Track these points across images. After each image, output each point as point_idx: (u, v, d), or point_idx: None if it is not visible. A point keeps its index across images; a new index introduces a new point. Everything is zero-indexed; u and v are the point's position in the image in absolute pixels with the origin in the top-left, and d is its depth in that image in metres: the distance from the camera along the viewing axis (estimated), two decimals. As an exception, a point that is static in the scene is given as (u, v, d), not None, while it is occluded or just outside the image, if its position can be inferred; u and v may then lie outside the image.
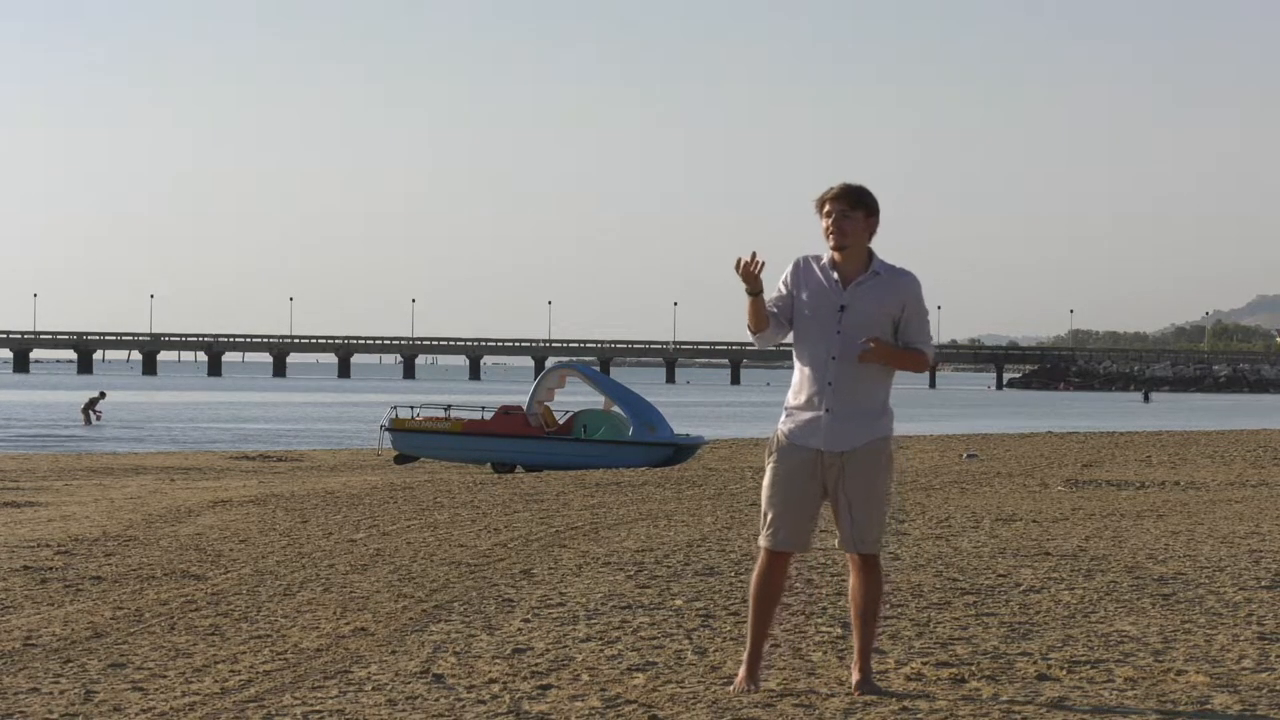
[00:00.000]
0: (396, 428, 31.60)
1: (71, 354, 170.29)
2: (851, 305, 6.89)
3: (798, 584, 10.07)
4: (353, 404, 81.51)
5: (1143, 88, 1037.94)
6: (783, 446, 6.97)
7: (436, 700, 6.98)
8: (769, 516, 6.98)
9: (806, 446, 6.92)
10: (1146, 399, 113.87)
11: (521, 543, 13.07)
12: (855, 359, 6.87)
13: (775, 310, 6.98)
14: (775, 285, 7.02)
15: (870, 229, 6.95)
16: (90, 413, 55.12)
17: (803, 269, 6.98)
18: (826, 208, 6.92)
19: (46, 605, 9.91)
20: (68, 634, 8.80)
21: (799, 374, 6.97)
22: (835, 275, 6.93)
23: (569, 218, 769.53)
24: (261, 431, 51.66)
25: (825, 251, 6.99)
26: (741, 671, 7.09)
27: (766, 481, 7.03)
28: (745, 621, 7.27)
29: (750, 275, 6.83)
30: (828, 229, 6.91)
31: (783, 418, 7.02)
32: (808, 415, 6.93)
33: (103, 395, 57.84)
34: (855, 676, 7.00)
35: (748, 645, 7.09)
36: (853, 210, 6.90)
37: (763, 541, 7.01)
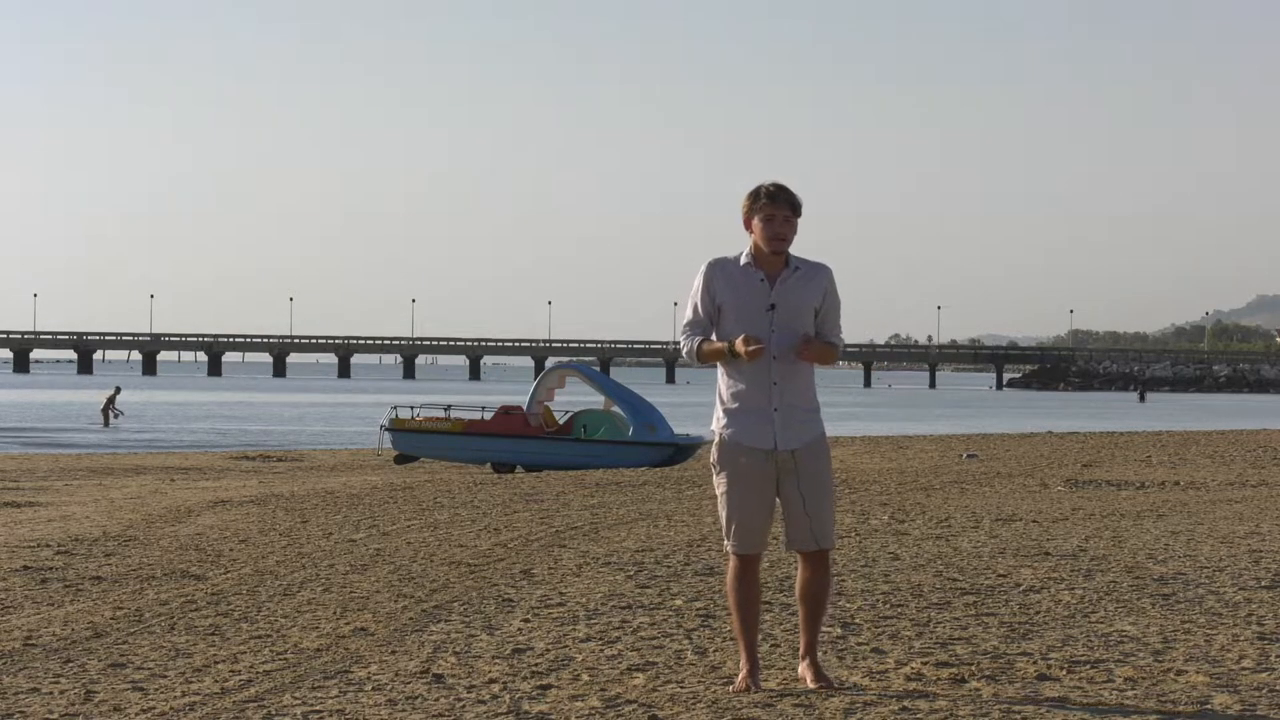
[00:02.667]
0: (396, 428, 31.59)
1: (71, 354, 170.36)
2: (780, 303, 6.93)
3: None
4: (353, 404, 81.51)
5: (1143, 88, 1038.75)
6: (732, 450, 6.98)
7: (436, 700, 6.98)
8: (732, 523, 7.00)
9: (757, 448, 6.95)
10: (1142, 399, 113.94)
11: (521, 543, 13.07)
12: (792, 357, 6.91)
13: (706, 321, 7.00)
14: (694, 297, 7.00)
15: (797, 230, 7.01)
16: (110, 412, 54.53)
17: (719, 273, 6.98)
18: (767, 211, 6.91)
19: (46, 605, 9.91)
20: (68, 634, 8.80)
21: (733, 377, 6.96)
22: (760, 275, 6.95)
23: (569, 218, 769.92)
24: (261, 431, 51.66)
25: (737, 251, 7.01)
26: (741, 674, 7.10)
27: (722, 489, 7.02)
28: (734, 628, 7.28)
29: (758, 354, 6.83)
30: (768, 231, 6.90)
31: (723, 422, 7.01)
32: (755, 416, 6.94)
33: (118, 390, 57.43)
34: (810, 675, 7.02)
35: (742, 650, 7.11)
36: (794, 215, 6.94)
37: (731, 548, 7.03)
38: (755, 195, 6.92)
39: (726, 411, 6.98)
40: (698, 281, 6.99)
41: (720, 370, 7.02)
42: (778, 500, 7.03)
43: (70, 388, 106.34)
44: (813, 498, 6.95)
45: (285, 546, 13.04)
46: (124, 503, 18.29)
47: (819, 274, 7.00)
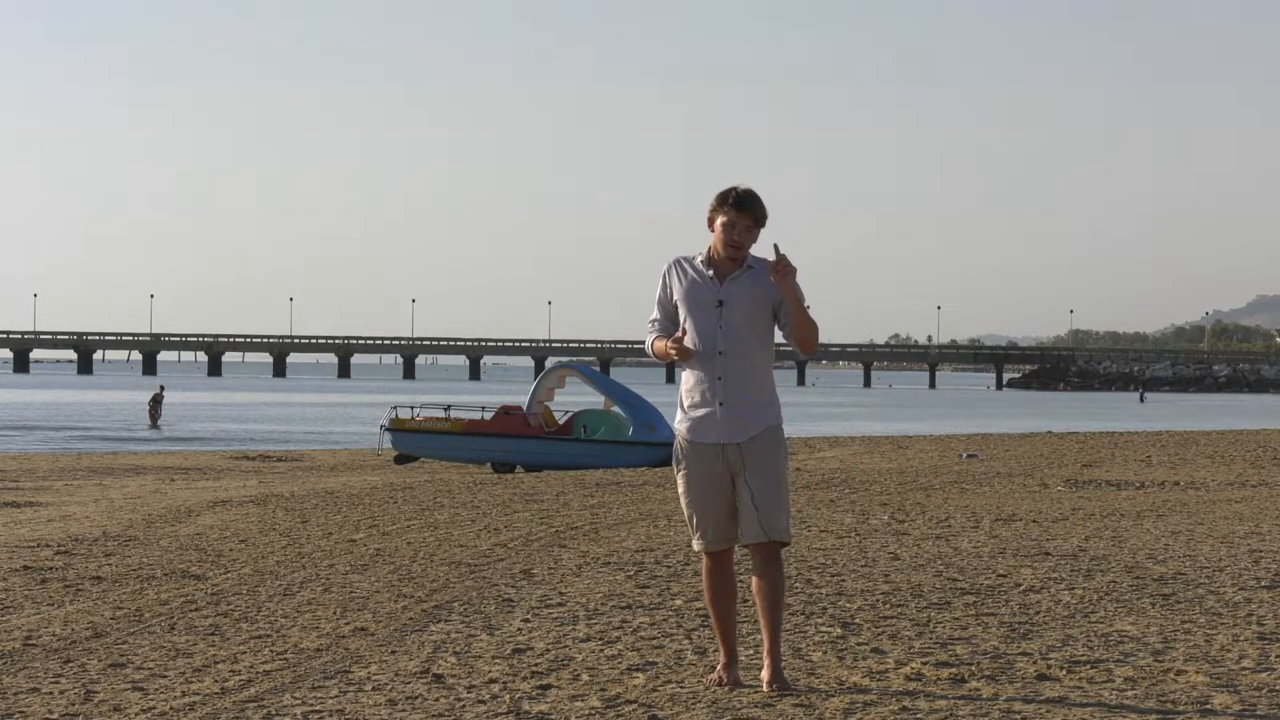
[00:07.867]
0: (396, 428, 31.60)
1: (71, 354, 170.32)
2: (729, 300, 6.98)
3: (798, 584, 10.07)
4: (353, 404, 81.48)
5: (1143, 88, 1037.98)
6: (686, 448, 7.06)
7: (436, 700, 6.98)
8: (695, 520, 7.09)
9: (706, 443, 7.02)
10: (1142, 399, 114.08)
11: (521, 543, 13.07)
12: (742, 353, 6.97)
13: (667, 319, 7.09)
14: (657, 295, 7.11)
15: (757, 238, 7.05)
16: (155, 411, 54.13)
17: (677, 272, 7.06)
18: (730, 217, 6.93)
19: (46, 605, 9.91)
20: (68, 634, 8.80)
21: (689, 373, 7.08)
22: (710, 273, 7.01)
23: (569, 218, 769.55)
24: (261, 431, 51.63)
25: (696, 251, 7.07)
26: (719, 666, 7.19)
27: (681, 488, 7.12)
28: (711, 623, 7.31)
29: (685, 354, 6.94)
30: (726, 238, 6.95)
31: (679, 418, 7.11)
32: (703, 411, 7.03)
33: (163, 389, 57.25)
34: (767, 674, 7.01)
35: (720, 645, 7.18)
36: (756, 226, 6.97)
37: (697, 545, 7.13)
38: (723, 198, 6.96)
39: (682, 408, 7.10)
40: (659, 280, 7.10)
41: (681, 370, 7.12)
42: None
43: (78, 388, 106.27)
44: (761, 490, 6.97)
45: (285, 546, 13.04)
46: (124, 503, 18.29)
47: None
